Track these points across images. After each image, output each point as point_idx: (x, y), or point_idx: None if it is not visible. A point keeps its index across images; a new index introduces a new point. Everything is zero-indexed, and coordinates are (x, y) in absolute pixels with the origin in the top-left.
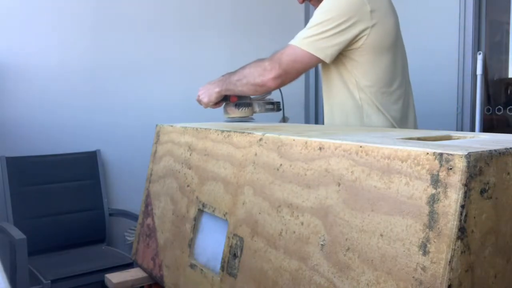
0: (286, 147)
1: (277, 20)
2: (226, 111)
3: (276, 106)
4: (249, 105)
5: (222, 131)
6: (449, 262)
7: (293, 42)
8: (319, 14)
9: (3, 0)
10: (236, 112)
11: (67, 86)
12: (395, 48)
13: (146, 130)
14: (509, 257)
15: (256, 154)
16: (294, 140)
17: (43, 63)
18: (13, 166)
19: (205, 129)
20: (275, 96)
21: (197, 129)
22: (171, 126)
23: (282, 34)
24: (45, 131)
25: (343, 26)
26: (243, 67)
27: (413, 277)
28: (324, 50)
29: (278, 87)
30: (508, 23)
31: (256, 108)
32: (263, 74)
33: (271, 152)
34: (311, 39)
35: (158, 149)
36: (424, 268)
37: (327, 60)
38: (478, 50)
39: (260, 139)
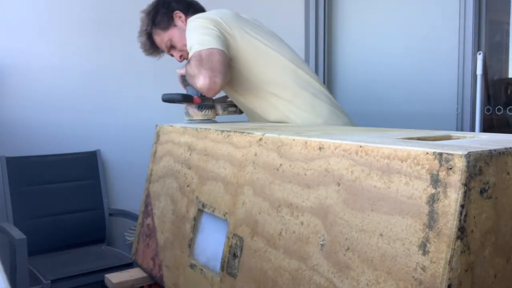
0: (286, 147)
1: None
2: (187, 113)
3: (239, 109)
4: (211, 107)
5: (222, 131)
6: (449, 261)
7: (195, 50)
8: (191, 29)
9: (3, 0)
10: (198, 115)
11: (67, 86)
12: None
13: (146, 130)
14: (509, 257)
15: (256, 154)
16: (294, 140)
17: (43, 64)
18: (13, 166)
19: (205, 129)
20: None
21: (197, 129)
22: (171, 126)
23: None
24: (45, 131)
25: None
26: (187, 68)
27: (413, 276)
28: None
29: (219, 85)
30: (508, 23)
31: (219, 111)
32: (199, 82)
33: (271, 152)
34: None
35: (158, 149)
36: (423, 268)
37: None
38: (478, 50)
39: (260, 139)
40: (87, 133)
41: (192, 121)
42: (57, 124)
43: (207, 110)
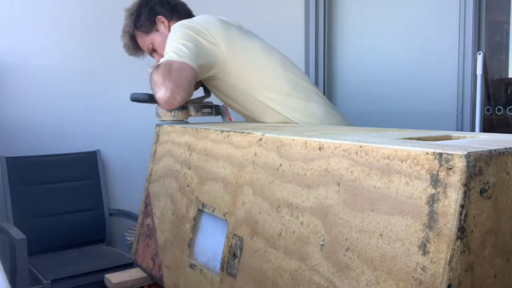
0: (286, 147)
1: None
2: (157, 114)
3: (214, 110)
4: (183, 107)
5: (222, 131)
6: (449, 262)
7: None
8: (172, 35)
9: (4, 2)
10: (167, 115)
11: (67, 86)
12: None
13: (146, 130)
14: (509, 257)
15: (255, 154)
16: (293, 140)
17: (43, 63)
18: (13, 166)
19: (205, 129)
20: (215, 99)
21: (196, 129)
22: (171, 126)
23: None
24: (45, 131)
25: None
26: (154, 73)
27: (413, 277)
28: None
29: (178, 102)
30: (508, 23)
31: (192, 112)
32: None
33: (271, 152)
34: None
35: (158, 149)
36: (423, 268)
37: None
38: (478, 50)
39: (260, 139)
40: (87, 133)
41: (163, 122)
42: (57, 124)
43: (177, 111)
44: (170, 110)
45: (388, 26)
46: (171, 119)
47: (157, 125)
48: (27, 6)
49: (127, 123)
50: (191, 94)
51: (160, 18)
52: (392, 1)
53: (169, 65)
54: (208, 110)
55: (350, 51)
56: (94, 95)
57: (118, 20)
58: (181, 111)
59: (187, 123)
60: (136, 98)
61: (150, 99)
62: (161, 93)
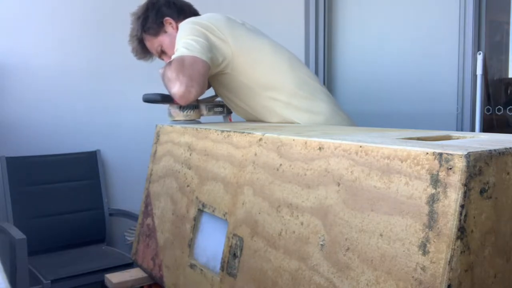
0: (286, 147)
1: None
2: (170, 113)
3: (226, 109)
4: (195, 107)
5: (222, 131)
6: (449, 262)
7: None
8: (181, 32)
9: (3, 1)
10: (180, 115)
11: (67, 86)
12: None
13: (146, 130)
14: (509, 257)
15: (256, 154)
16: (293, 140)
17: (43, 63)
18: (13, 166)
19: (205, 129)
20: None
21: (197, 129)
22: (171, 126)
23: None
24: (45, 131)
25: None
26: (167, 69)
27: (413, 277)
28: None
29: (193, 96)
30: (508, 23)
31: (204, 111)
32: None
33: (271, 152)
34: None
35: (158, 149)
36: (423, 268)
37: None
38: (478, 50)
39: (260, 139)
40: (87, 133)
41: (175, 122)
42: (57, 124)
43: (189, 111)
44: (183, 110)
45: (388, 26)
46: (184, 118)
47: (165, 125)
48: (27, 6)
49: (127, 123)
50: (205, 88)
51: (168, 19)
52: (392, 1)
53: (181, 60)
54: (219, 109)
55: (350, 51)
56: (94, 95)
57: (118, 20)
58: (193, 111)
59: (199, 122)
60: (148, 99)
61: (163, 99)
62: (175, 88)
